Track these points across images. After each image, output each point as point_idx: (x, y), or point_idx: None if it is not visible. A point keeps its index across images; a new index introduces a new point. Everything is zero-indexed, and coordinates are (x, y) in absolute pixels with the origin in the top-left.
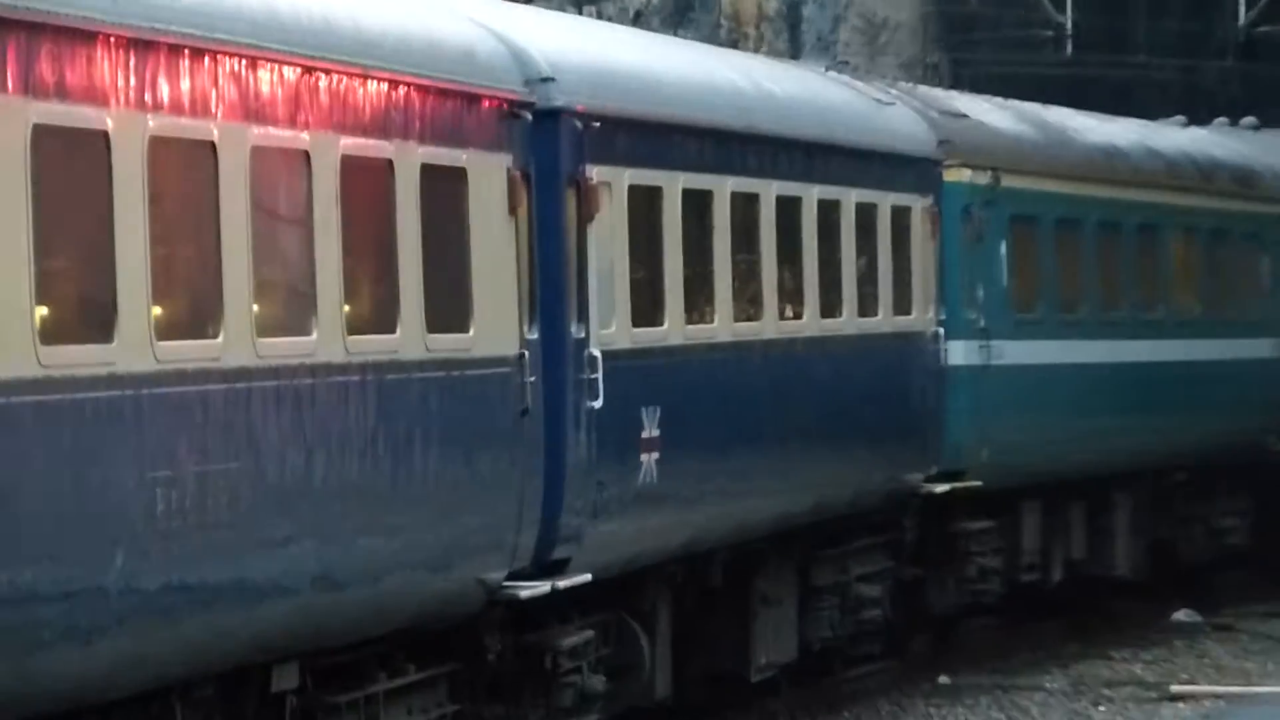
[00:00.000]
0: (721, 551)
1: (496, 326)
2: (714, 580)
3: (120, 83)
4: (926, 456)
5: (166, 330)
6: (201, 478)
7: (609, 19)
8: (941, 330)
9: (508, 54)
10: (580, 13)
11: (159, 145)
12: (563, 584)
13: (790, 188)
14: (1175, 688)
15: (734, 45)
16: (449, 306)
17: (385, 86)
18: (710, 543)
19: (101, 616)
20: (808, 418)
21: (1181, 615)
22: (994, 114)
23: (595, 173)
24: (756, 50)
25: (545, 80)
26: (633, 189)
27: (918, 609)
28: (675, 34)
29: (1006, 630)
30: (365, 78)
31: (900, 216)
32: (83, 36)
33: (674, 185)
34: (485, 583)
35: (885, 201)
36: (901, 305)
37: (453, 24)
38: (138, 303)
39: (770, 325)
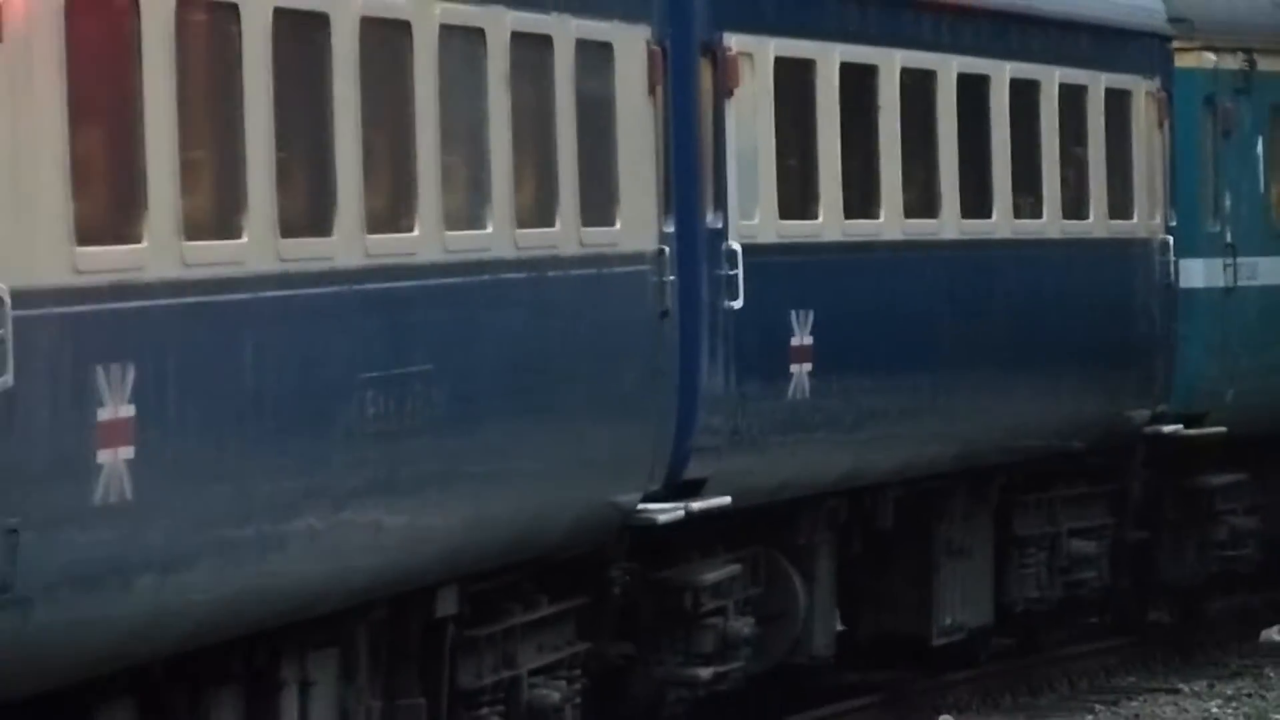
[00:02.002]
0: (893, 488)
1: (638, 219)
2: (884, 521)
3: None
4: (1153, 392)
5: (372, 225)
6: (403, 379)
7: None
8: (1170, 239)
9: None
10: None
11: (370, 27)
12: (697, 505)
13: (975, 64)
14: None
15: None
16: (597, 198)
17: None
18: (877, 475)
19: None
20: (997, 333)
21: (1275, 634)
22: None
23: (734, 42)
24: None
25: None
26: (780, 61)
27: (1148, 577)
28: None
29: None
30: None
31: (1117, 101)
32: None
33: (829, 58)
34: (619, 506)
35: (1097, 83)
36: (1119, 208)
37: None
38: (351, 197)
39: (950, 224)
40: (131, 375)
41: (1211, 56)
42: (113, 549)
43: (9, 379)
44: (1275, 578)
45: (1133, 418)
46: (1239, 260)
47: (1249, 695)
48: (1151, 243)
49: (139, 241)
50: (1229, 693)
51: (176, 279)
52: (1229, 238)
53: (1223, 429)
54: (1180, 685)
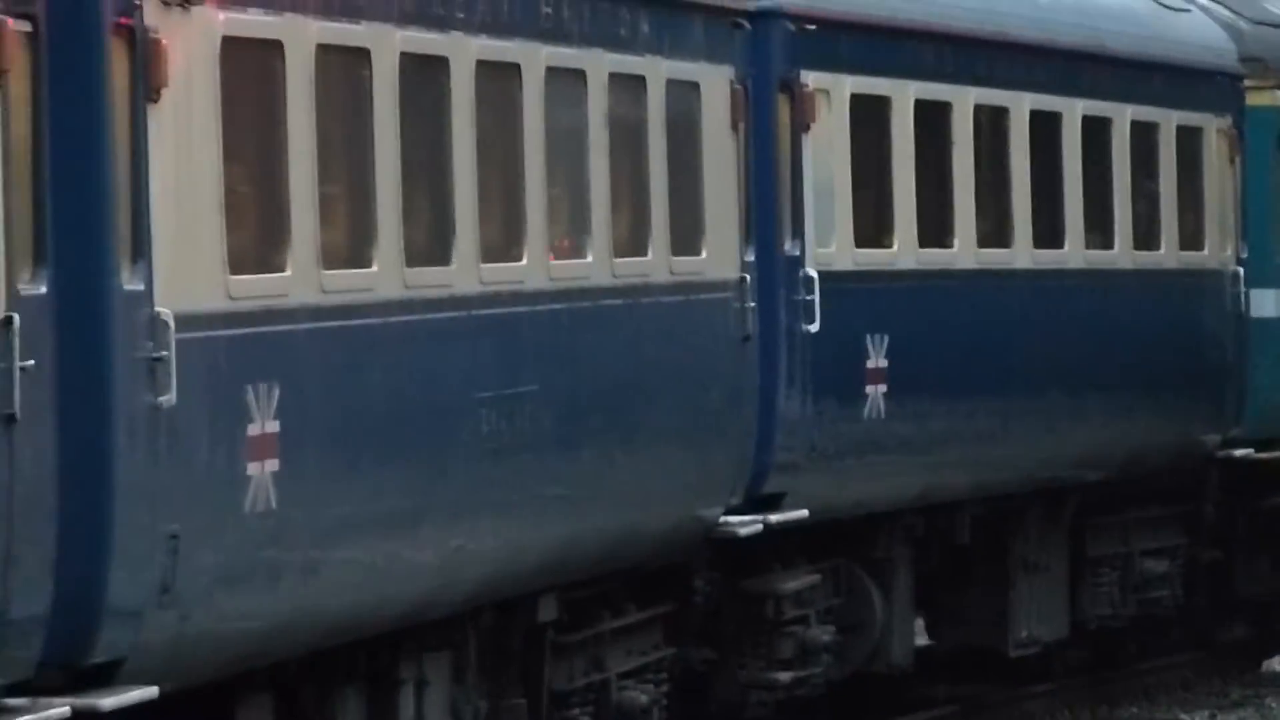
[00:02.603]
0: (970, 505)
1: (721, 248)
2: (960, 537)
3: None
4: (1224, 417)
5: (486, 255)
6: (513, 399)
7: None
8: (1241, 271)
9: None
10: None
11: (484, 70)
12: (775, 519)
13: (1048, 101)
14: None
15: None
16: (685, 228)
17: (639, 7)
18: (951, 494)
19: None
20: (1070, 359)
21: (1277, 664)
22: None
23: (811, 79)
24: None
25: None
26: (855, 97)
27: (1224, 596)
28: None
29: None
30: None
31: (1188, 138)
32: None
33: (904, 94)
34: (702, 519)
35: (1169, 121)
36: (1191, 240)
37: None
38: (468, 229)
39: (1023, 254)
40: (277, 394)
41: None
42: (259, 554)
43: (172, 397)
44: None
45: (1204, 442)
46: None
47: None
48: (1223, 274)
49: (283, 270)
50: None
51: (316, 305)
52: None
53: None
54: (1181, 715)
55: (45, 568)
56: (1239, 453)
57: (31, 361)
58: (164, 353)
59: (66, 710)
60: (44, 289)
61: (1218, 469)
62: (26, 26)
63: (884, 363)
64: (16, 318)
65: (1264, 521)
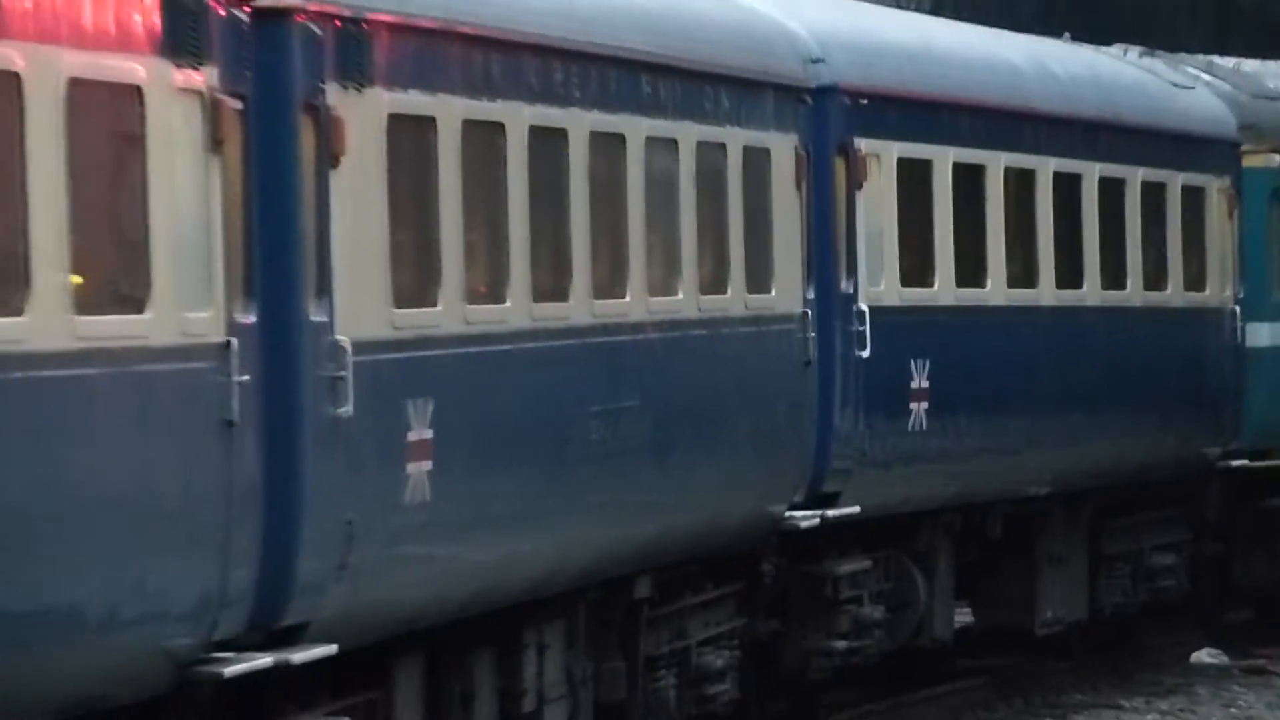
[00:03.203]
0: (1000, 506)
1: (787, 287)
2: (993, 532)
3: None
4: (1224, 432)
5: (597, 292)
6: (618, 412)
7: None
8: (1238, 308)
9: (785, 38)
10: None
11: (596, 140)
12: (831, 513)
13: (1070, 164)
14: None
15: None
16: (758, 270)
17: (720, 86)
18: (985, 495)
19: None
20: (1088, 383)
21: (1204, 656)
22: None
23: (864, 145)
24: None
25: (816, 61)
26: (901, 161)
27: (1226, 585)
28: None
29: None
30: (702, 77)
31: (1192, 196)
32: None
33: (944, 158)
34: (771, 514)
35: (1175, 181)
36: (1194, 282)
37: (738, 13)
38: (583, 271)
39: (1047, 294)
40: (431, 407)
41: (1276, 157)
42: (416, 538)
43: (350, 409)
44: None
45: (1206, 454)
46: None
47: (1182, 710)
48: (1223, 310)
49: (436, 305)
50: (1164, 708)
51: (461, 333)
52: None
53: None
54: (1122, 701)
55: (254, 548)
56: (1236, 463)
57: (246, 377)
58: (343, 372)
59: (270, 661)
60: (253, 319)
61: (1218, 477)
62: (239, 105)
63: (925, 384)
64: (234, 341)
65: (1259, 521)
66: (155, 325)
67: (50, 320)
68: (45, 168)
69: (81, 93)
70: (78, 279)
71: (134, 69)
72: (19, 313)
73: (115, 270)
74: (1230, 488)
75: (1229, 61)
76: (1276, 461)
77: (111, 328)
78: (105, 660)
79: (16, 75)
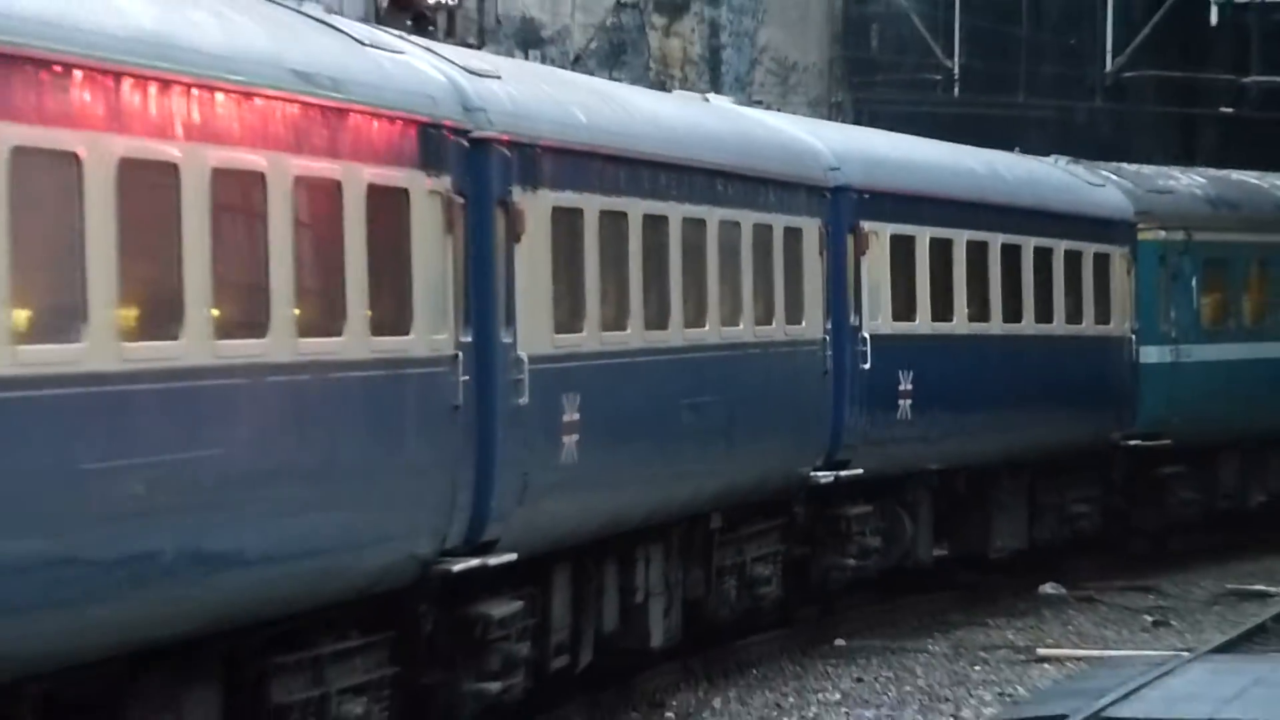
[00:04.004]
0: (965, 470)
1: (812, 321)
2: (959, 488)
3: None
4: (1124, 421)
5: (687, 321)
6: (701, 404)
7: (551, 61)
8: (1134, 336)
9: (812, 153)
10: (526, 56)
11: (686, 223)
12: (844, 474)
13: (1013, 239)
14: (1042, 650)
15: (662, 86)
16: (792, 309)
17: (769, 185)
18: (955, 463)
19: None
20: (1025, 387)
21: (1048, 588)
22: (1183, 181)
23: (867, 225)
24: (682, 87)
25: (833, 169)
26: (894, 237)
27: (1129, 528)
28: (610, 75)
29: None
30: (756, 180)
31: (1101, 261)
32: None
33: (924, 235)
34: (801, 474)
35: (1089, 250)
36: (1102, 317)
37: (779, 135)
38: (678, 306)
39: (997, 325)
40: (578, 399)
41: (1163, 232)
42: (567, 486)
43: (526, 399)
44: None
45: (1112, 436)
46: (1179, 346)
47: (1032, 627)
48: (1123, 338)
49: (581, 331)
50: (1019, 625)
51: (598, 350)
52: (1173, 334)
53: (1169, 442)
54: (987, 620)
55: (468, 490)
56: (1133, 442)
57: (466, 377)
58: (522, 376)
59: (478, 563)
60: (470, 338)
61: (1121, 452)
62: (462, 200)
63: (910, 387)
64: (460, 354)
65: (1150, 484)
66: (415, 343)
67: (356, 341)
68: (355, 243)
69: (372, 195)
70: (370, 313)
71: (403, 176)
72: (339, 334)
73: (393, 308)
74: (1129, 460)
75: (1131, 167)
76: (1162, 442)
77: (390, 344)
78: (382, 561)
79: (338, 184)
